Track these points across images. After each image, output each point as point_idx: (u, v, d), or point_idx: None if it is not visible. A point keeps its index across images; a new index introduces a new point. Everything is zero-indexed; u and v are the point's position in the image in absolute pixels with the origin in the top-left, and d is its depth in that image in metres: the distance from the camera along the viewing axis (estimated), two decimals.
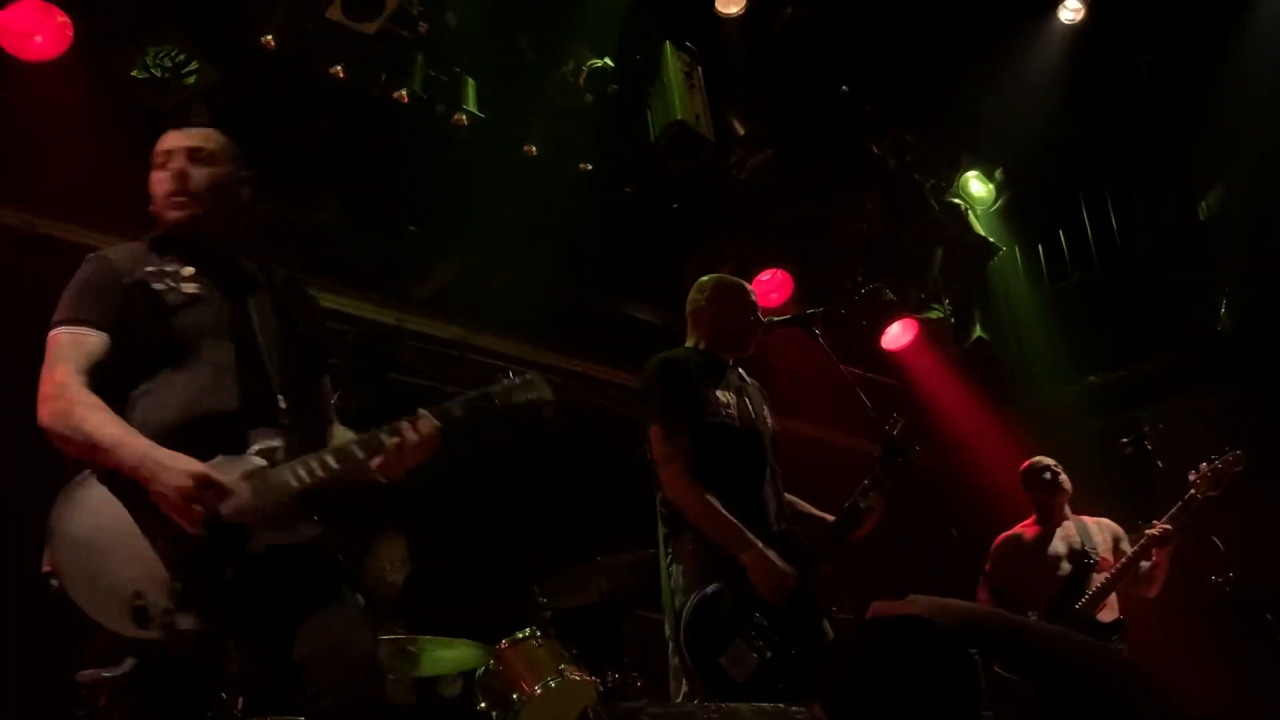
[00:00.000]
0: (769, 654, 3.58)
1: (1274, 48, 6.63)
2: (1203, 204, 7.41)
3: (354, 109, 5.35)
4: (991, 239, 7.52)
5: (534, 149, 5.80)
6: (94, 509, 2.54)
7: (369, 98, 5.25)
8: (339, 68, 5.06)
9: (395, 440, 2.72)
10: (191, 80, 4.86)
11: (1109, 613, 5.32)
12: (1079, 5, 6.86)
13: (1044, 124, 7.19)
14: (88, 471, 2.58)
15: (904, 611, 1.75)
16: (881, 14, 6.53)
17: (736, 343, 4.17)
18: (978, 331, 7.69)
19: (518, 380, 2.94)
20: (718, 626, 3.61)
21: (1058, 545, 5.50)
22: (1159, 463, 5.38)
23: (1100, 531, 5.56)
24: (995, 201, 7.66)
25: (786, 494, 4.09)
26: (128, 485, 2.52)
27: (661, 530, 3.97)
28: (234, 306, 2.84)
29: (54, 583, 2.46)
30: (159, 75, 4.76)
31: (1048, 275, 8.11)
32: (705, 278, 4.32)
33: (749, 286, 4.29)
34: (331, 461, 2.64)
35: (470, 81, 5.49)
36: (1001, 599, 5.45)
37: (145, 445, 2.52)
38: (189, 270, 2.82)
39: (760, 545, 3.70)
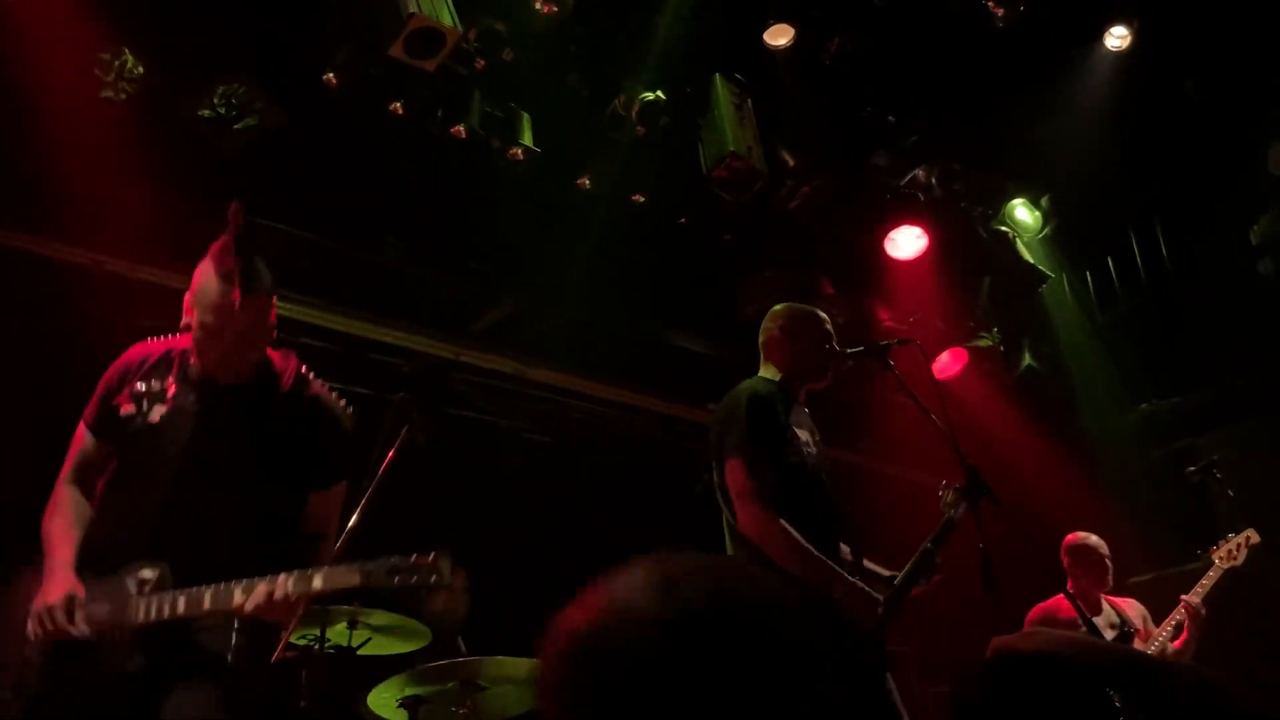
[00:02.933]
0: None
1: None
2: (1254, 228, 7.33)
3: (413, 145, 5.39)
4: (1040, 266, 7.49)
5: (587, 182, 5.84)
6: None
7: (427, 134, 5.29)
8: (398, 104, 5.11)
9: (267, 590, 2.74)
10: (254, 120, 4.94)
11: None
12: (1125, 32, 6.83)
13: (1091, 151, 7.13)
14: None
15: (1030, 647, 1.71)
16: (928, 44, 6.53)
17: (814, 373, 4.02)
18: (1028, 360, 7.63)
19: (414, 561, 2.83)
20: None
21: (1096, 621, 5.39)
22: (1229, 492, 5.28)
23: (1131, 609, 5.51)
24: (1042, 229, 7.62)
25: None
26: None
27: None
28: (197, 430, 2.96)
29: None
30: (224, 114, 4.85)
31: (1097, 302, 8.06)
32: (779, 306, 4.16)
33: (823, 314, 4.12)
34: (181, 604, 2.78)
35: (525, 116, 5.54)
36: None
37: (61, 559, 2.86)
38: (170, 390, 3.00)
39: (848, 575, 3.61)
